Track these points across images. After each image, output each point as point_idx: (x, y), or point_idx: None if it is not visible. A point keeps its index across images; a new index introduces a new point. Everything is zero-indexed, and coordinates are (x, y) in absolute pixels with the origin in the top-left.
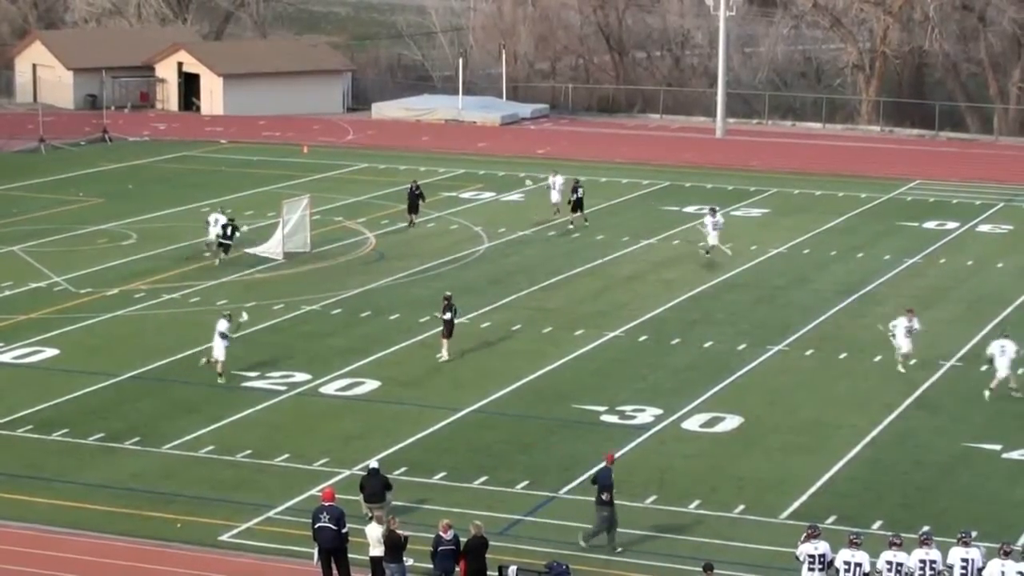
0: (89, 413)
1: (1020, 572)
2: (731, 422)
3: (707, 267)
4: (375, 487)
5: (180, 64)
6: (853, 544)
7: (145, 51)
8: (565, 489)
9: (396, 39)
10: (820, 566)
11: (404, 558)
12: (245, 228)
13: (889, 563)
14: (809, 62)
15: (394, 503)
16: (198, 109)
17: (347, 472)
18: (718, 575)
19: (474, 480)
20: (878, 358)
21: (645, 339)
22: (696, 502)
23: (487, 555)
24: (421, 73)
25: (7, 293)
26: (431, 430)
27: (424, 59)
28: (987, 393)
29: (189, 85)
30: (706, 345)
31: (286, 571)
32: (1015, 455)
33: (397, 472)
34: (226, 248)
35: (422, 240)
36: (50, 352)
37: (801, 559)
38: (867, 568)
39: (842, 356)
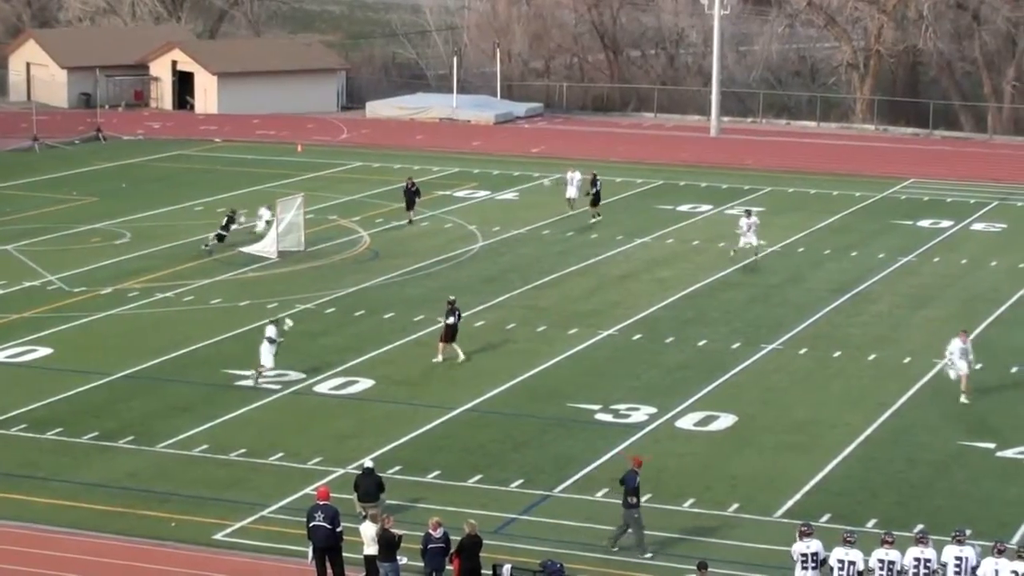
0: (83, 412)
1: (1014, 571)
2: (725, 421)
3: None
4: (369, 486)
5: (174, 63)
6: (847, 542)
7: (139, 50)
8: (559, 488)
9: (390, 37)
10: (813, 564)
11: (398, 557)
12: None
13: (881, 561)
14: (803, 61)
15: (388, 502)
16: (192, 108)
17: (341, 471)
18: (712, 573)
19: (468, 479)
20: (872, 356)
21: (639, 338)
22: (690, 501)
23: (481, 554)
24: (415, 72)
25: (0, 292)
26: (425, 429)
27: (418, 57)
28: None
29: (183, 84)
30: (700, 344)
31: (281, 570)
32: (1009, 453)
33: (391, 471)
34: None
35: (416, 239)
36: (44, 351)
37: (795, 558)
38: (861, 566)
39: (836, 355)
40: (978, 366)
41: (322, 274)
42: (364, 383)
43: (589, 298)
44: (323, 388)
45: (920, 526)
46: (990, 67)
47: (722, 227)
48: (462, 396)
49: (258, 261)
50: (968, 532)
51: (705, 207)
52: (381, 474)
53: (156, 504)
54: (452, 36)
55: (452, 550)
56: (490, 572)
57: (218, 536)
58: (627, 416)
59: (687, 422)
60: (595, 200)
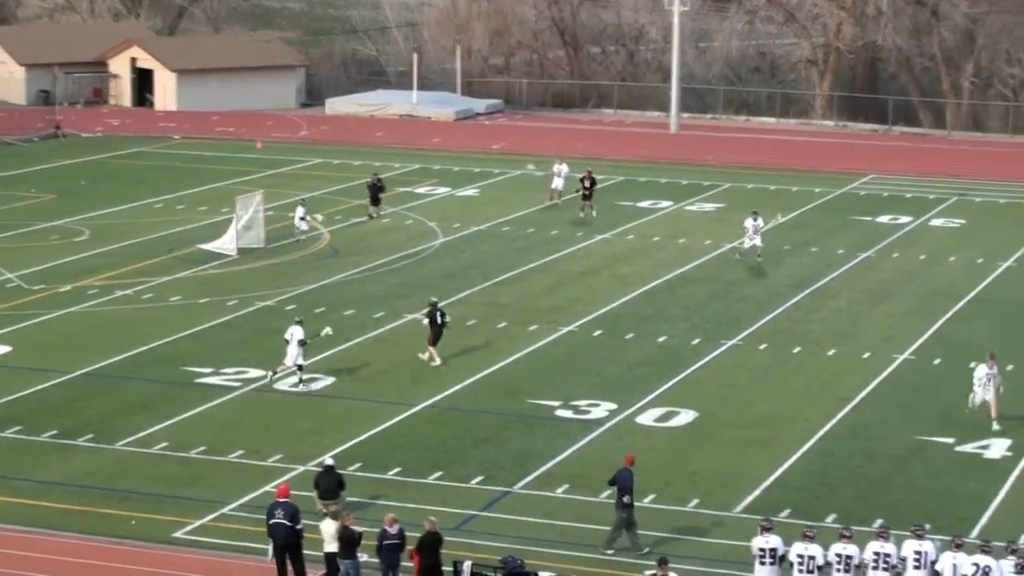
0: (42, 410)
1: (975, 564)
2: (685, 416)
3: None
4: (329, 483)
5: (133, 60)
6: (806, 537)
7: (98, 47)
8: (520, 484)
9: (350, 34)
10: (771, 560)
11: (358, 554)
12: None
13: (839, 555)
14: (763, 57)
15: (348, 499)
16: (151, 105)
17: (301, 468)
18: (672, 569)
19: (428, 476)
20: (831, 352)
21: (599, 334)
22: (651, 496)
23: (442, 551)
24: (375, 68)
25: None
26: (385, 426)
27: (378, 54)
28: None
29: (142, 81)
30: (660, 340)
31: (241, 567)
32: (968, 448)
33: (351, 468)
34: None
35: (377, 235)
36: (2, 349)
37: (753, 552)
38: (820, 561)
39: (796, 350)
40: (1001, 390)
41: (282, 271)
42: (324, 380)
43: (550, 294)
44: (283, 385)
45: (880, 521)
46: (949, 63)
47: (682, 223)
48: (422, 393)
49: (218, 258)
50: (927, 526)
51: (665, 203)
52: (341, 471)
53: (116, 502)
54: (412, 33)
55: (410, 547)
56: (451, 569)
57: (178, 534)
58: (587, 412)
59: (647, 418)
60: (587, 195)
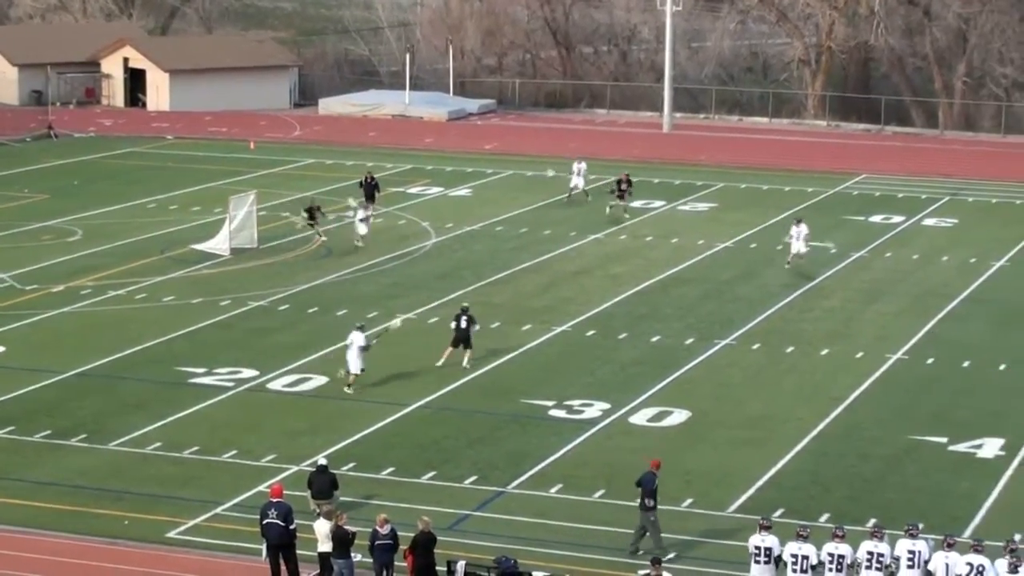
0: (35, 410)
1: (969, 563)
2: (678, 416)
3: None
4: (323, 483)
5: (126, 60)
6: (800, 537)
7: (91, 47)
8: (514, 484)
9: (343, 34)
10: (766, 559)
11: (352, 554)
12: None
13: (831, 555)
14: (755, 57)
15: (342, 499)
16: (144, 105)
17: (295, 468)
18: (666, 568)
19: (422, 475)
20: (824, 351)
21: (593, 334)
22: None
23: (435, 551)
24: (368, 68)
25: None
26: (378, 426)
27: (371, 54)
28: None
29: (135, 81)
30: (653, 340)
31: (234, 567)
32: (961, 447)
33: (345, 468)
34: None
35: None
36: None
37: (750, 550)
38: (814, 560)
39: (789, 350)
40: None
41: (275, 271)
42: (317, 380)
43: (542, 294)
44: (276, 385)
45: (873, 520)
46: (941, 63)
47: (675, 223)
48: (416, 393)
49: (211, 258)
50: (921, 526)
51: (658, 203)
52: (335, 471)
53: (109, 502)
54: (405, 33)
55: (403, 546)
56: (444, 569)
57: (171, 534)
58: (581, 412)
59: (641, 418)
60: (621, 196)
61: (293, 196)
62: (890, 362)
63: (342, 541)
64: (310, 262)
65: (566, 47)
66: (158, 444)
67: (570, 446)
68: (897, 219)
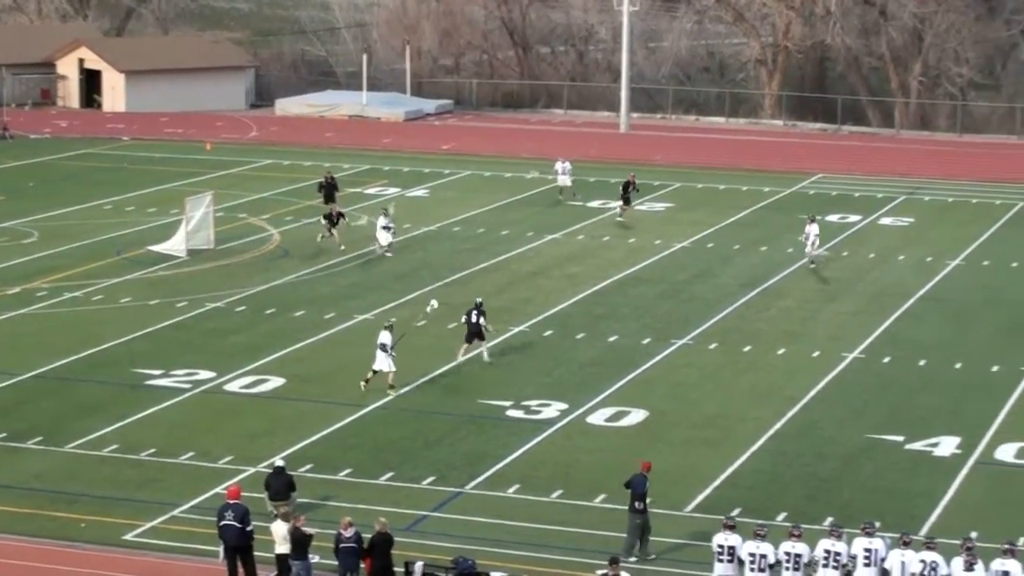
0: None
1: (923, 561)
2: (636, 416)
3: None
4: (280, 485)
5: (81, 61)
6: (757, 536)
7: (46, 48)
8: (471, 484)
9: (299, 35)
10: (728, 557)
11: (309, 555)
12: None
13: (788, 554)
14: (712, 57)
15: (299, 500)
16: (100, 106)
17: (252, 470)
18: (624, 568)
19: (379, 476)
20: (781, 351)
21: (550, 334)
22: (602, 496)
23: (393, 552)
24: (325, 69)
25: None
26: (336, 427)
27: (328, 55)
28: None
29: (91, 82)
30: (611, 340)
31: (191, 569)
32: (917, 446)
33: (302, 469)
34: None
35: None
36: None
37: (714, 549)
38: (771, 559)
39: (746, 349)
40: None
41: (232, 272)
42: (275, 381)
43: (500, 295)
44: (233, 387)
45: (831, 519)
46: (897, 63)
47: (632, 223)
48: (373, 394)
49: (167, 259)
50: (877, 524)
51: (615, 203)
52: (292, 472)
53: (65, 505)
54: (361, 33)
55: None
56: (402, 570)
57: (128, 536)
58: (538, 412)
59: (598, 418)
60: (627, 200)
61: (250, 197)
62: (847, 361)
63: (300, 542)
64: (267, 263)
65: (523, 47)
66: (115, 446)
67: (528, 446)
68: (854, 218)
